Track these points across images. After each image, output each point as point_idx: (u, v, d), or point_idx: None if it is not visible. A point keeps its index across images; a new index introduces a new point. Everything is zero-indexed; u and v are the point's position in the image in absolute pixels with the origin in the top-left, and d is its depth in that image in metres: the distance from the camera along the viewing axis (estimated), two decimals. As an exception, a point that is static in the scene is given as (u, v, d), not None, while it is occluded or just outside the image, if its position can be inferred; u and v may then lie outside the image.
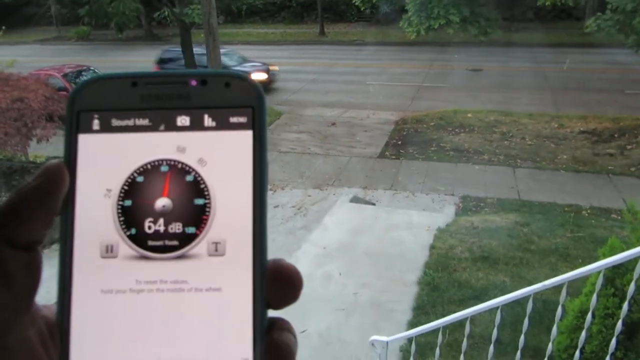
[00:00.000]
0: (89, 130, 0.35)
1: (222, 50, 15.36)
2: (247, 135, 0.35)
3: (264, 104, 0.36)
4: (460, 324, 3.40)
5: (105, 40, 31.19)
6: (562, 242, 6.55)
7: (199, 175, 0.34)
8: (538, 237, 6.71)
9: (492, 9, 14.29)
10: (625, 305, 2.52)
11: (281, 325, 0.34)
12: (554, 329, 2.75)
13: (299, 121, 13.89)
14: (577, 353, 2.80)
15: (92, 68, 15.33)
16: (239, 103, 0.35)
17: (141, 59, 23.82)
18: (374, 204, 8.68)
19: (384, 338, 3.48)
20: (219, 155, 0.35)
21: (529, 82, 16.58)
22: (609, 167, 9.93)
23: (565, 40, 22.34)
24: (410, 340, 3.93)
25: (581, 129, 12.02)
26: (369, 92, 16.28)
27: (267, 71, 16.11)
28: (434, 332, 3.46)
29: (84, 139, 0.35)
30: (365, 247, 6.73)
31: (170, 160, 0.35)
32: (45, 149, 8.85)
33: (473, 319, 3.17)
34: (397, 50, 23.21)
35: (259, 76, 15.40)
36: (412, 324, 4.86)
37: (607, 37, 12.01)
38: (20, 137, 8.10)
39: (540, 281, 2.73)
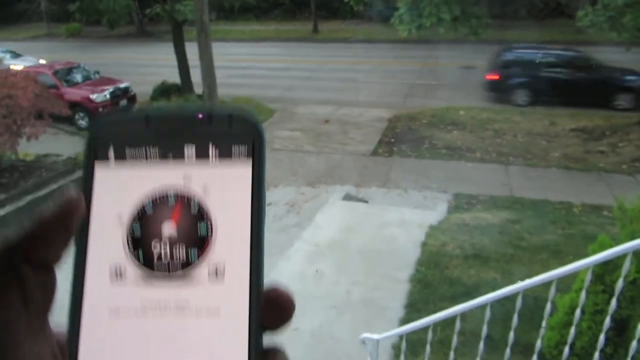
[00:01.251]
0: (105, 158, 0.38)
1: None
2: (247, 167, 0.38)
3: (263, 138, 0.39)
4: (451, 320, 3.40)
5: (97, 37, 30.94)
6: (553, 239, 6.58)
7: (203, 203, 0.37)
8: (529, 234, 6.74)
9: (483, 7, 14.29)
10: (613, 302, 2.53)
11: (275, 349, 0.37)
12: (543, 325, 2.76)
13: (292, 119, 13.85)
14: (567, 349, 2.80)
15: (82, 65, 15.21)
16: (240, 137, 0.38)
17: (133, 56, 23.66)
18: (366, 202, 8.68)
19: (375, 336, 3.48)
20: (222, 185, 0.38)
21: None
22: (601, 165, 9.99)
23: (558, 38, 22.41)
24: (401, 337, 3.93)
25: (573, 126, 12.09)
26: (362, 90, 16.27)
27: None
28: (425, 329, 3.46)
29: (100, 166, 0.38)
30: (358, 244, 6.73)
31: (177, 188, 0.38)
32: (35, 146, 8.76)
33: (464, 315, 3.17)
34: (390, 47, 23.21)
35: None
36: (404, 321, 4.86)
37: (598, 34, 12.06)
38: (9, 134, 8.00)
39: (531, 278, 2.73)
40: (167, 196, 0.37)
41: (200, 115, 0.39)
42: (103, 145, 0.38)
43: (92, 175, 0.38)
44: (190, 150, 0.38)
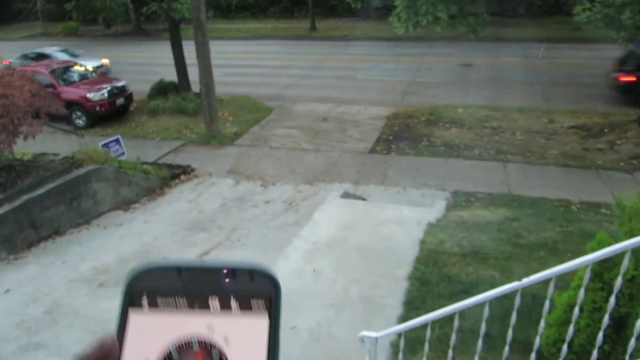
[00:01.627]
0: (138, 305, 0.43)
1: None
2: (264, 319, 0.42)
3: (279, 293, 0.43)
4: (450, 318, 3.39)
5: (93, 35, 30.86)
6: (552, 237, 6.57)
7: (223, 352, 0.41)
8: (528, 232, 6.73)
9: (481, 5, 14.25)
10: (612, 299, 2.52)
11: None
12: (542, 323, 2.75)
13: (290, 117, 13.83)
14: (565, 347, 2.79)
15: (78, 64, 15.16)
16: (259, 292, 0.43)
17: (130, 55, 23.59)
18: (364, 199, 8.67)
19: (373, 334, 3.47)
20: (241, 335, 0.41)
21: (520, 76, 16.64)
22: (599, 162, 9.99)
23: (556, 35, 22.43)
24: (400, 335, 3.91)
25: (571, 124, 12.08)
26: (360, 88, 16.24)
27: None
28: (424, 326, 3.45)
29: (133, 314, 0.43)
30: (356, 242, 6.72)
31: (201, 337, 0.41)
32: (32, 146, 8.73)
33: (462, 313, 3.16)
34: (388, 45, 23.18)
35: None
36: (402, 319, 4.85)
37: (596, 31, 12.02)
38: (6, 134, 7.96)
39: (530, 275, 2.72)
40: (191, 344, 0.41)
41: (225, 271, 0.43)
42: (138, 293, 0.43)
43: (126, 321, 0.42)
44: (214, 303, 0.42)
